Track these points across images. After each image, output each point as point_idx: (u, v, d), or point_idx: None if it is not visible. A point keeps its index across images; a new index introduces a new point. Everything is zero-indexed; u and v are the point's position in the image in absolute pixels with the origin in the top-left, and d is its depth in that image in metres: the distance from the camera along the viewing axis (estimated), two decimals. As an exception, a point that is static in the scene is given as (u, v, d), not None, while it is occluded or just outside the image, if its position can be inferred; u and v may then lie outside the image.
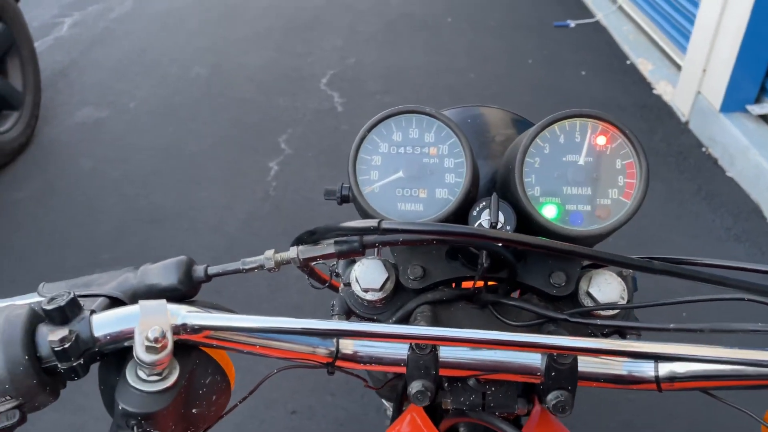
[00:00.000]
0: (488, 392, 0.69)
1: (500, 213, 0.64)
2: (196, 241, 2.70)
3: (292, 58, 4.29)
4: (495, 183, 0.75)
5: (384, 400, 1.51)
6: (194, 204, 2.93)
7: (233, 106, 3.73)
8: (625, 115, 3.57)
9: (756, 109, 3.09)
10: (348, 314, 0.70)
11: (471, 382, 0.70)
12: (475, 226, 0.64)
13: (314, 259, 0.63)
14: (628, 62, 4.16)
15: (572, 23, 4.73)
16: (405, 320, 0.66)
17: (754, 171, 2.92)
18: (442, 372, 0.62)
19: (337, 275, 0.85)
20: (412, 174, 0.66)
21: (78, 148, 3.33)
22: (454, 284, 0.71)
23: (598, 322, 0.63)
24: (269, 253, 0.64)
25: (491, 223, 0.63)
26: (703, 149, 3.27)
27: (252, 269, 0.63)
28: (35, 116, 3.39)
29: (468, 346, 0.61)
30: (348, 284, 0.69)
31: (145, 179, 3.08)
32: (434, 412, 0.82)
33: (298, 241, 0.64)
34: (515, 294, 0.74)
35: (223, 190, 3.02)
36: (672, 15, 3.93)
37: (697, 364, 0.59)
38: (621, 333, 0.69)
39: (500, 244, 0.61)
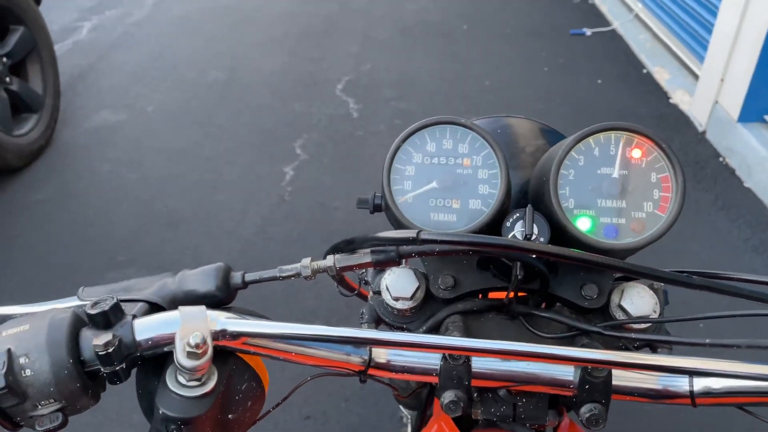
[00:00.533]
0: (519, 403, 0.69)
1: (534, 225, 0.64)
2: (211, 244, 2.72)
3: (308, 64, 4.31)
4: (526, 193, 0.75)
5: (404, 408, 1.51)
6: (210, 208, 2.95)
7: (249, 111, 3.75)
8: (642, 124, 3.51)
9: (775, 120, 3.07)
10: (377, 323, 0.71)
11: (502, 392, 0.69)
12: (509, 237, 0.64)
13: (350, 268, 0.64)
14: (644, 71, 4.14)
15: (588, 31, 4.73)
16: (435, 330, 0.66)
17: (772, 182, 2.90)
18: (475, 383, 0.62)
19: (366, 283, 0.85)
20: (446, 184, 0.67)
21: (96, 151, 3.36)
22: (480, 295, 0.72)
23: (632, 335, 0.62)
24: (306, 261, 0.64)
25: (525, 234, 0.63)
26: (721, 159, 3.25)
27: (289, 276, 0.64)
28: (54, 119, 3.43)
29: (502, 357, 0.61)
30: (378, 292, 0.69)
31: (162, 182, 3.11)
32: (462, 422, 0.82)
33: (334, 250, 0.65)
34: (543, 305, 0.74)
35: (238, 194, 3.04)
36: (689, 24, 3.92)
37: (732, 380, 0.58)
38: (652, 347, 0.69)
39: (534, 256, 0.61)
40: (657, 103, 3.78)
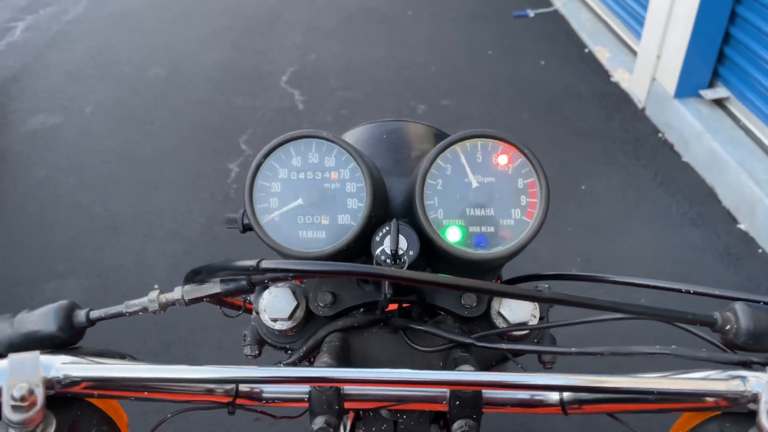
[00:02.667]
0: (400, 420, 0.70)
1: (403, 238, 0.63)
2: (154, 247, 2.66)
3: (252, 56, 4.24)
4: None
5: None
6: (152, 209, 2.88)
7: (192, 107, 3.67)
8: (584, 103, 3.60)
9: (709, 94, 3.13)
10: (261, 343, 0.70)
11: (383, 411, 0.70)
12: (378, 251, 0.63)
13: (200, 299, 0.62)
14: (586, 50, 4.19)
15: (531, 13, 4.75)
16: (316, 349, 0.65)
17: (708, 155, 2.97)
18: (348, 405, 0.62)
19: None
20: (313, 200, 0.65)
21: (31, 156, 3.26)
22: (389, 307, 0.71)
23: (503, 346, 0.62)
24: (153, 294, 0.62)
25: (391, 250, 0.62)
26: (660, 135, 3.32)
27: (136, 312, 0.62)
28: (-14, 125, 3.30)
29: (367, 386, 0.61)
30: (259, 313, 0.68)
31: (101, 185, 3.03)
32: None
33: (186, 280, 0.63)
34: (437, 313, 0.74)
35: (182, 193, 2.98)
36: (627, 2, 3.97)
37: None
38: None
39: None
40: (598, 81, 3.83)
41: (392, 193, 0.74)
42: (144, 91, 3.84)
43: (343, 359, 0.62)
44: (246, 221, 0.67)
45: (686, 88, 3.19)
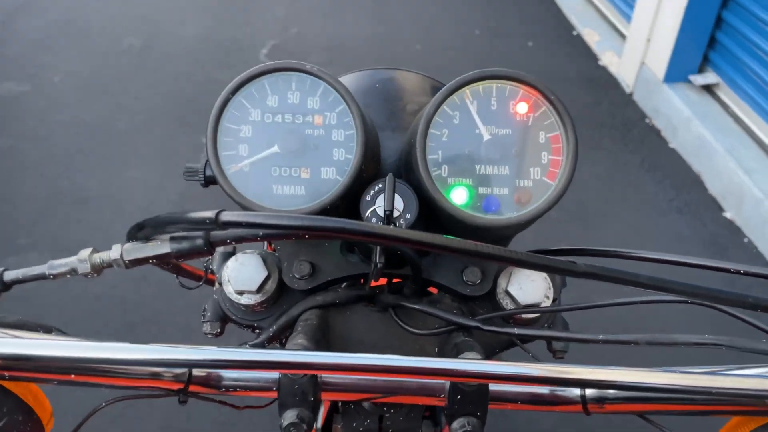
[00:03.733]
0: (386, 415, 0.61)
1: (399, 197, 0.54)
2: (122, 223, 2.53)
3: (231, 29, 4.09)
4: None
5: None
6: (122, 184, 2.76)
7: (167, 80, 3.53)
8: (572, 87, 3.52)
9: (699, 80, 3.07)
10: (223, 320, 0.60)
11: (366, 404, 0.61)
12: (368, 213, 0.54)
13: (145, 261, 0.52)
14: (574, 33, 4.10)
15: (520, -7, 4.65)
16: (289, 328, 0.56)
17: (696, 142, 2.91)
18: (325, 396, 0.53)
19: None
20: (291, 148, 0.55)
21: (-4, 125, 3.10)
22: (363, 280, 0.62)
23: (516, 331, 0.53)
24: (84, 253, 0.53)
25: (385, 211, 0.53)
26: (647, 120, 3.26)
27: (63, 274, 0.52)
28: (-53, 91, 3.14)
29: (349, 374, 0.51)
30: (222, 284, 0.59)
31: (69, 159, 2.89)
32: None
33: (129, 237, 0.53)
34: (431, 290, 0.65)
35: (154, 169, 2.86)
36: (618, -16, 3.89)
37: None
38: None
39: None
40: (587, 65, 3.76)
41: (385, 151, 0.64)
42: (117, 61, 3.69)
43: (321, 341, 0.53)
44: (209, 172, 0.57)
45: (676, 73, 3.13)
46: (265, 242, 0.63)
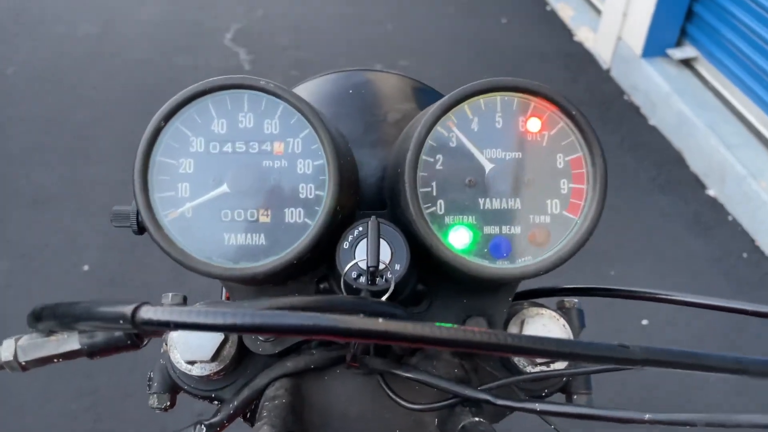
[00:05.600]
0: None
1: (385, 244, 0.43)
2: (86, 223, 2.41)
3: (193, 12, 3.91)
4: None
5: None
6: (83, 181, 2.61)
7: (127, 68, 3.36)
8: (547, 64, 3.44)
9: (677, 53, 3.01)
10: (174, 390, 0.50)
11: None
12: (347, 268, 0.44)
13: (48, 360, 0.40)
14: (548, 8, 4.01)
15: (492, -32, 4.53)
16: (254, 401, 0.46)
17: (675, 118, 2.86)
18: None
19: None
20: (246, 186, 0.44)
21: (-56, 122, 2.92)
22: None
23: (538, 407, 0.43)
24: None
25: (368, 267, 0.42)
26: (626, 97, 3.19)
27: None
28: None
29: None
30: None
31: (25, 155, 2.73)
32: None
33: (31, 325, 0.40)
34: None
35: (117, 164, 2.71)
36: (591, -43, 3.79)
37: None
38: (567, 393, 0.53)
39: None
40: (562, 41, 3.67)
41: (364, 171, 0.53)
42: (74, 51, 3.50)
43: (296, 422, 0.43)
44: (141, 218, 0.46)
45: (653, 48, 3.06)
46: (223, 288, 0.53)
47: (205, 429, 0.44)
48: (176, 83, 3.26)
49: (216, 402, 0.49)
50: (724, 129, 2.65)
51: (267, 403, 0.44)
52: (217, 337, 0.46)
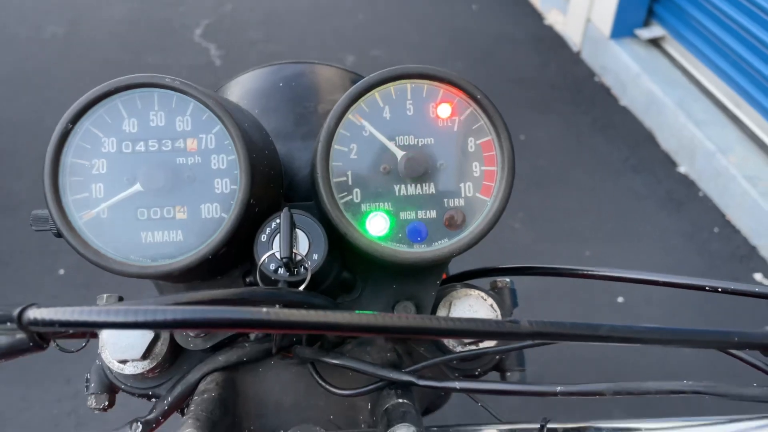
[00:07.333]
0: None
1: (303, 234, 0.44)
2: (58, 228, 2.38)
3: (162, 9, 3.86)
4: None
5: None
6: (55, 185, 2.58)
7: (96, 69, 3.31)
8: (519, 49, 3.45)
9: (645, 33, 3.03)
10: (112, 390, 0.50)
11: None
12: (263, 259, 0.45)
13: None
14: (518, -8, 4.02)
15: (460, -46, 4.52)
16: (189, 395, 0.47)
17: (645, 98, 2.89)
18: None
19: None
20: (160, 183, 0.45)
21: None
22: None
23: (458, 386, 0.44)
24: None
25: (282, 258, 0.43)
26: (596, 78, 3.21)
27: None
28: None
29: None
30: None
31: (-6, 162, 2.69)
32: None
33: None
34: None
35: (88, 166, 2.68)
36: (558, -61, 3.80)
37: None
38: (501, 371, 0.54)
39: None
40: (532, 25, 3.68)
41: (295, 164, 0.55)
42: (40, 52, 3.44)
43: (226, 414, 0.44)
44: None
45: (621, 29, 3.08)
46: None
47: (141, 426, 0.45)
48: (146, 82, 3.23)
49: (153, 399, 0.50)
50: (693, 106, 2.68)
51: (196, 397, 0.45)
52: (147, 335, 0.46)
